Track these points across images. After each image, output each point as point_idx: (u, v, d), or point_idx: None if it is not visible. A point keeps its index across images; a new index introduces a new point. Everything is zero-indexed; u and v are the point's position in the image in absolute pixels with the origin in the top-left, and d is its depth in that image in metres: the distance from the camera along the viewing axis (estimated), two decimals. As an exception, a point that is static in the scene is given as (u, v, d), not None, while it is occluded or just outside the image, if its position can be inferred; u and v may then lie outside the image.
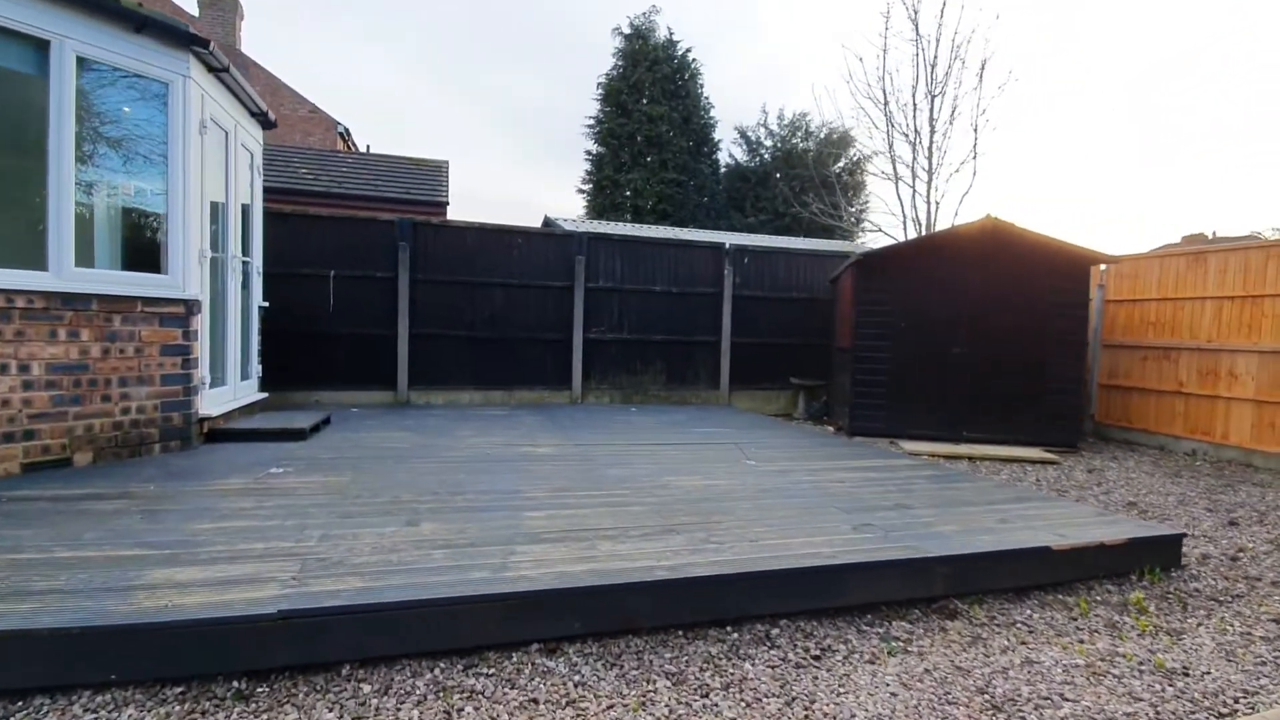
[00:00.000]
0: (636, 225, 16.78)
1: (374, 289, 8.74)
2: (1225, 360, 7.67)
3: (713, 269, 10.32)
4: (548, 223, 14.26)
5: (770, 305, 10.57)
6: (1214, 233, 25.93)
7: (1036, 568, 3.52)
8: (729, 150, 26.20)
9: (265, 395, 7.06)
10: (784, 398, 10.72)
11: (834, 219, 13.99)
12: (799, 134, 25.66)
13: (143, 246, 5.25)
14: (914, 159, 11.68)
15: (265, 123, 7.09)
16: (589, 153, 23.95)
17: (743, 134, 26.38)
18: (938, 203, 11.55)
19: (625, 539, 3.35)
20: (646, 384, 10.03)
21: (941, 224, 11.84)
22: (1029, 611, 3.24)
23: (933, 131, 11.62)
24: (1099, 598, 3.44)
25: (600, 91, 23.72)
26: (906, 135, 11.86)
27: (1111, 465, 7.16)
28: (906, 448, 7.48)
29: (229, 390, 6.21)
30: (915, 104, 11.63)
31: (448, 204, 13.06)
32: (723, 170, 25.66)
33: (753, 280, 10.49)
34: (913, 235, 11.99)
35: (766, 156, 26.18)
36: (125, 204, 5.30)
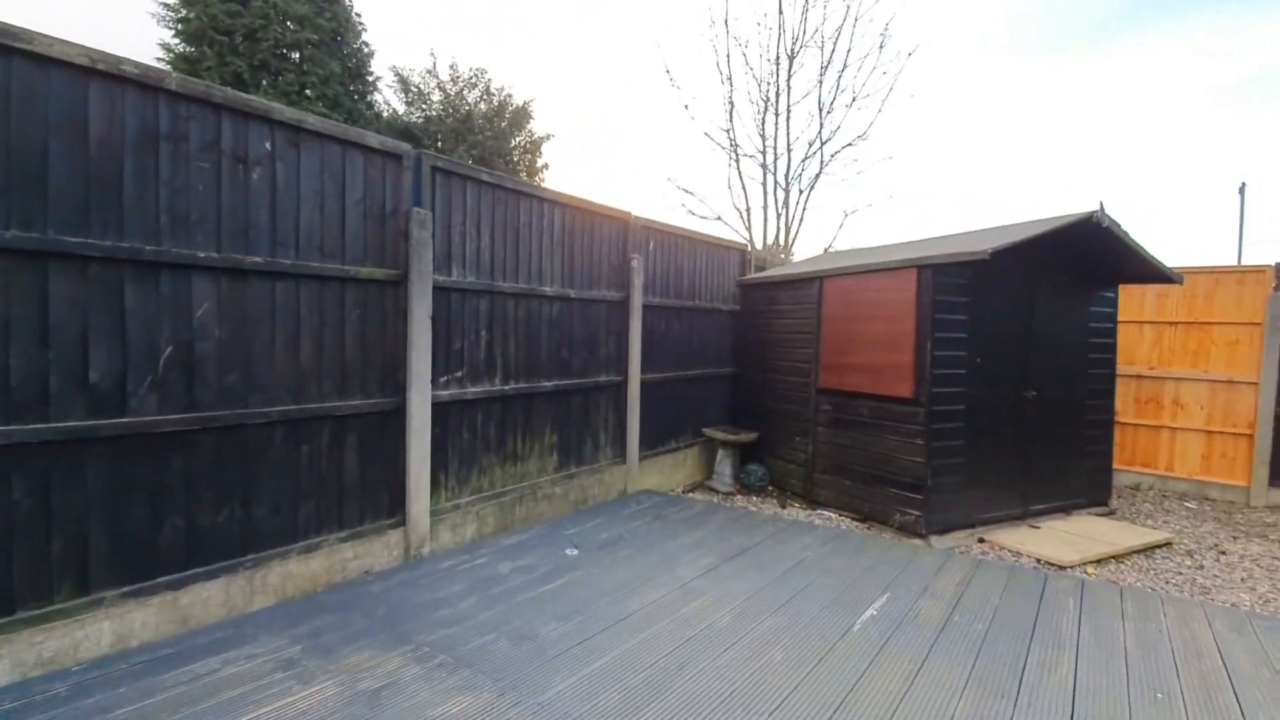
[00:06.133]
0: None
1: None
2: (1169, 388, 7.36)
3: (618, 257, 5.94)
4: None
5: (677, 319, 6.74)
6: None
7: None
8: (385, 97, 20.02)
9: None
10: (690, 459, 7.04)
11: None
12: (477, 92, 21.18)
13: None
14: (775, 131, 9.24)
15: None
16: (169, 49, 14.83)
17: (403, 79, 20.44)
18: (802, 190, 9.39)
19: None
20: (532, 474, 5.10)
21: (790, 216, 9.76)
22: None
23: (788, 97, 9.39)
24: None
25: (185, -48, 14.85)
26: (758, 99, 9.37)
27: (1191, 528, 5.91)
28: (1019, 549, 4.90)
29: None
30: (777, 59, 9.18)
31: None
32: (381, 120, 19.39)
33: (658, 281, 6.49)
34: (770, 225, 9.60)
35: (434, 114, 20.92)
36: None
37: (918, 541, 5.12)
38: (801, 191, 9.44)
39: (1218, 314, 7.09)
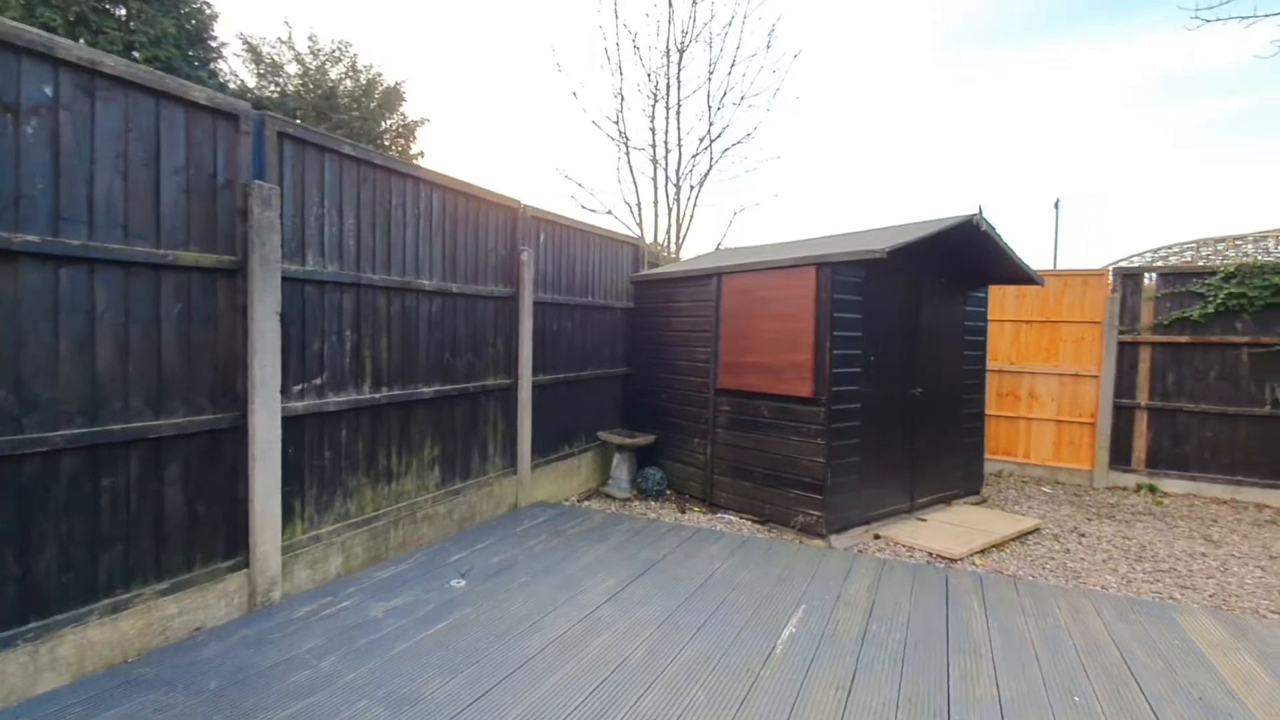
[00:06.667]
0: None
1: None
2: (1026, 382, 7.95)
3: (506, 249, 5.42)
4: None
5: (569, 317, 6.33)
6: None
7: None
8: (232, 67, 17.85)
9: None
10: (585, 465, 6.66)
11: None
12: (341, 68, 19.43)
13: None
14: (665, 126, 9.08)
15: None
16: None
17: (253, 48, 18.31)
18: (693, 186, 9.29)
19: None
20: (410, 493, 4.48)
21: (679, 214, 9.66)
22: None
23: (678, 92, 9.26)
24: None
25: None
26: (649, 92, 9.16)
27: (1052, 512, 6.34)
28: (913, 544, 5.01)
29: None
30: (667, 52, 9.01)
31: None
32: (227, 91, 17.22)
33: (550, 276, 6.04)
34: (662, 220, 9.43)
35: (291, 89, 18.98)
36: None
37: (819, 542, 5.06)
38: (693, 188, 9.34)
39: (1065, 313, 7.75)
